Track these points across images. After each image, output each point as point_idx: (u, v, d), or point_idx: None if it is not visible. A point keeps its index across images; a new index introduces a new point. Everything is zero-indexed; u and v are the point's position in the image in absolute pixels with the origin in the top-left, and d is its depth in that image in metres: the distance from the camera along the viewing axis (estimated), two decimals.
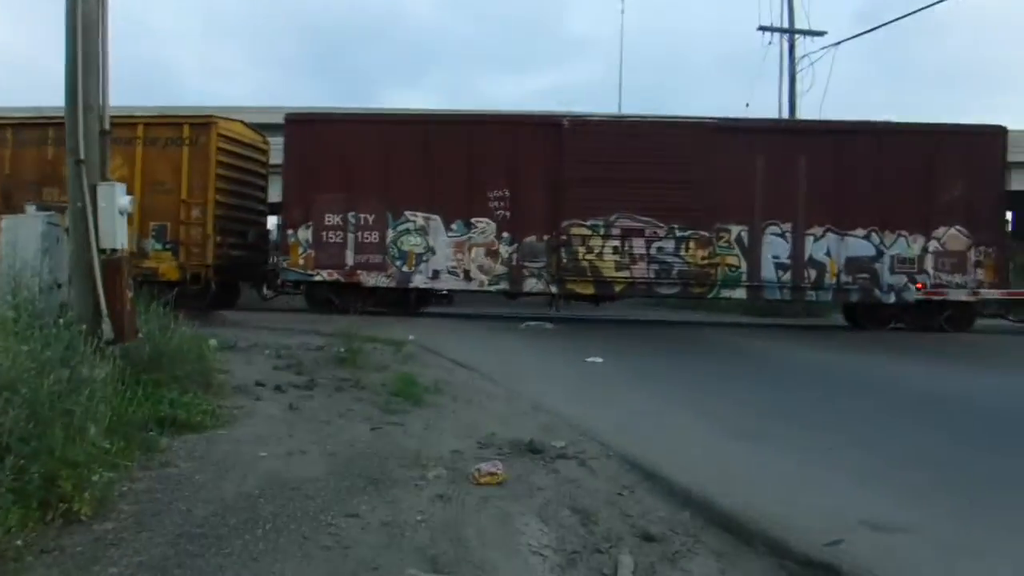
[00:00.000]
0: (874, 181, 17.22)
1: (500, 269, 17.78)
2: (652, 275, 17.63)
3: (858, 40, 36.36)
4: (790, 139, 18.20)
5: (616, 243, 17.57)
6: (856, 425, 7.33)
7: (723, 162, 17.24)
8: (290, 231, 18.24)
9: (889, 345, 15.34)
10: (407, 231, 17.92)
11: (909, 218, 17.37)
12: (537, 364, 11.33)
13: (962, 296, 17.32)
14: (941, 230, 17.38)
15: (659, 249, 17.57)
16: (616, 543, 3.98)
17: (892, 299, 17.44)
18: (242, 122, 19.00)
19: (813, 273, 17.54)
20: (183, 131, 17.29)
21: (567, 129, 17.79)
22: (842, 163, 17.45)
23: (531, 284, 17.88)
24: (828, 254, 17.48)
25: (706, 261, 17.54)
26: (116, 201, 6.58)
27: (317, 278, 18.04)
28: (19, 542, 3.43)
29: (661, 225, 17.53)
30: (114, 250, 6.62)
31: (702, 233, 17.51)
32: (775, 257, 17.53)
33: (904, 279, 17.34)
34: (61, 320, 5.57)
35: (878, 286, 17.41)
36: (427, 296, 19.43)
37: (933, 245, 17.35)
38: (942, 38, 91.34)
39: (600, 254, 17.60)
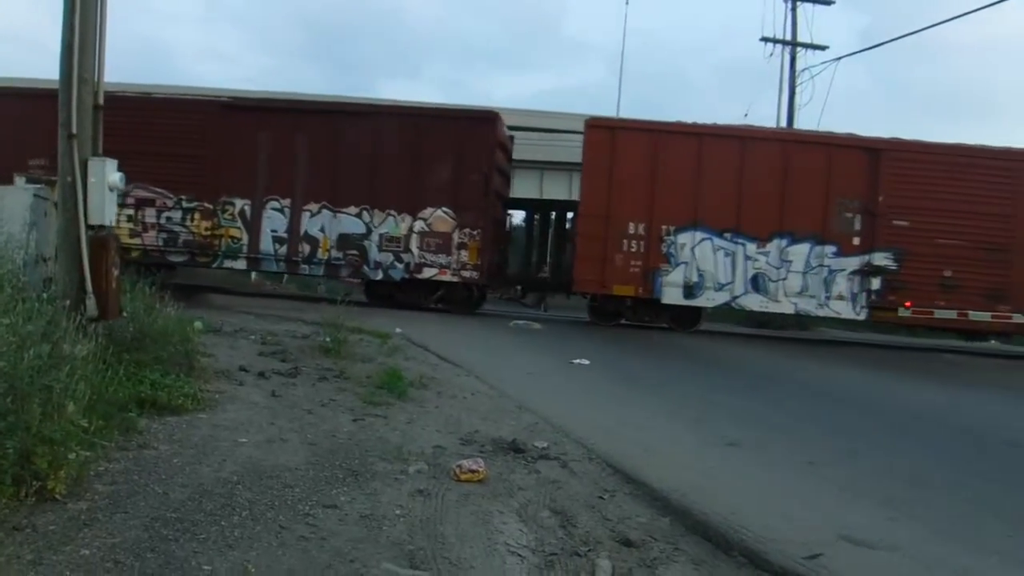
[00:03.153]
0: (369, 161, 17.88)
1: None
2: (161, 243, 18.31)
3: (859, 57, 36.53)
4: (291, 118, 18.62)
5: (131, 212, 17.99)
6: (840, 439, 7.34)
7: (230, 138, 17.87)
8: None
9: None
10: None
11: (399, 198, 17.98)
12: (523, 363, 11.31)
13: (446, 276, 17.98)
14: (428, 211, 17.96)
15: (168, 219, 18.29)
16: (595, 547, 3.96)
17: (379, 276, 18.10)
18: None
19: (307, 248, 18.30)
20: None
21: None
22: (340, 143, 18.11)
23: None
24: (322, 230, 18.23)
25: (210, 232, 18.28)
26: (107, 177, 6.51)
27: None
28: None
29: (171, 196, 18.22)
30: (102, 226, 6.55)
31: (206, 205, 18.24)
32: (274, 231, 18.30)
33: (391, 257, 18.03)
34: (45, 295, 5.50)
35: (367, 263, 18.07)
36: None
37: (419, 225, 17.96)
38: (940, 59, 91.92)
39: (115, 222, 17.95)
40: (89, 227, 6.43)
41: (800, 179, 17.30)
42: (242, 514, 3.87)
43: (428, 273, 18.02)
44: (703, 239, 17.50)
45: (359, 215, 18.04)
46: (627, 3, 47.18)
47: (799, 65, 28.17)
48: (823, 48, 27.96)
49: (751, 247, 17.46)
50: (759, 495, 5.14)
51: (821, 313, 17.88)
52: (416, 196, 17.91)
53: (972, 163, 17.32)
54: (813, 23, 36.51)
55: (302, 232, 18.21)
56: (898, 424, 8.50)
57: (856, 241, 17.35)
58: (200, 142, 17.90)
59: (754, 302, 17.66)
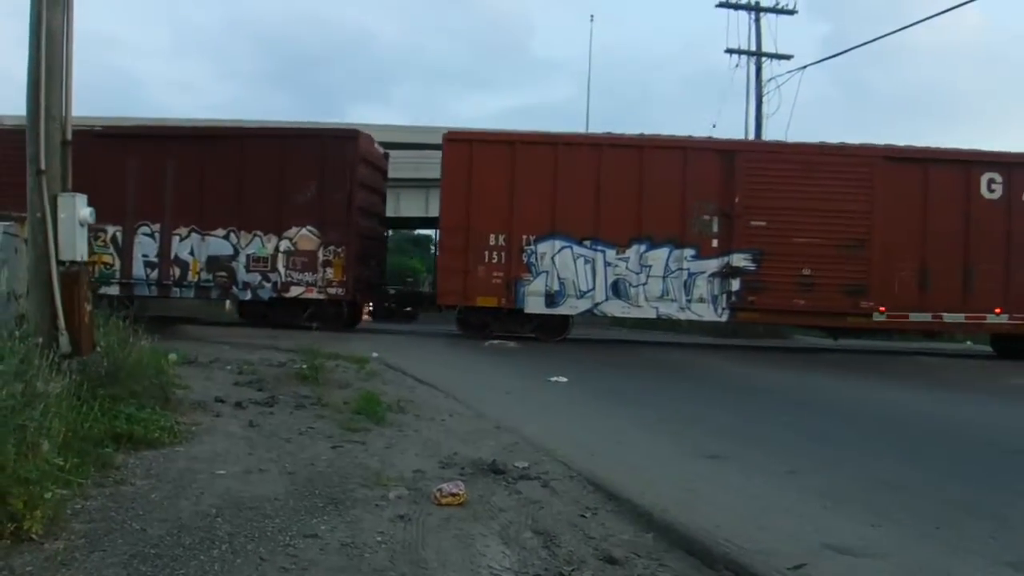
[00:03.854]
0: (236, 183, 18.12)
1: None
2: None
3: (824, 64, 37.16)
4: (159, 144, 18.90)
5: None
6: (820, 447, 7.41)
7: (102, 166, 17.21)
8: None
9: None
10: None
11: (264, 219, 18.28)
12: (500, 383, 11.31)
13: (313, 294, 18.26)
14: (293, 230, 18.30)
15: None
16: (578, 566, 3.96)
17: (248, 296, 18.36)
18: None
19: (178, 271, 18.63)
20: None
21: None
22: (207, 166, 18.38)
23: None
24: (192, 253, 18.58)
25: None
26: (77, 212, 6.48)
27: None
28: None
29: None
30: (73, 262, 6.51)
31: None
32: (145, 256, 18.55)
33: (259, 277, 18.33)
34: (17, 332, 5.45)
35: (235, 283, 18.34)
36: None
37: (285, 245, 18.27)
38: (903, 64, 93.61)
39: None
40: (60, 263, 6.39)
41: (656, 184, 17.67)
42: (222, 547, 3.84)
43: (295, 291, 18.24)
44: (563, 247, 17.76)
45: (227, 237, 18.29)
46: (592, 19, 47.92)
47: (765, 75, 28.61)
48: (788, 57, 28.44)
49: (611, 253, 17.76)
50: (742, 507, 5.15)
51: (683, 316, 18.19)
52: (281, 216, 18.19)
53: (827, 161, 17.86)
54: (777, 33, 36.96)
55: (172, 256, 18.46)
56: (876, 429, 8.59)
57: (715, 243, 17.73)
58: (75, 172, 17.68)
59: (616, 308, 17.94)
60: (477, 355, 15.13)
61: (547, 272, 17.74)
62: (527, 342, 17.70)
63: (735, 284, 17.64)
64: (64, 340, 6.23)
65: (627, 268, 17.69)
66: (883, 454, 7.23)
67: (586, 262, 17.73)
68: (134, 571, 3.50)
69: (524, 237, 17.73)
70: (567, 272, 17.71)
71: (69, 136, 6.61)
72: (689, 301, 17.69)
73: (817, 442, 7.73)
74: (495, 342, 17.06)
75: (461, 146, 18.12)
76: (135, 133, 19.44)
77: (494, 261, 17.73)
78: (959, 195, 17.49)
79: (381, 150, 20.43)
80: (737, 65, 28.92)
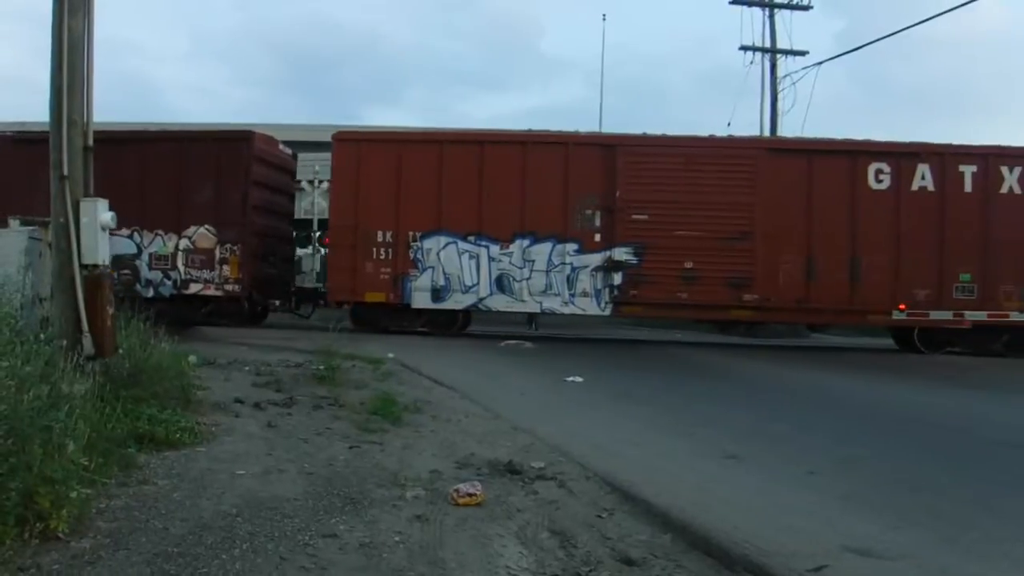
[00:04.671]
0: (139, 185, 17.96)
1: None
2: None
3: (840, 60, 36.88)
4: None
5: None
6: (840, 447, 7.39)
7: (15, 171, 17.00)
8: None
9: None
10: None
11: (165, 219, 18.34)
12: (516, 383, 11.34)
13: (211, 291, 18.37)
14: (192, 229, 18.33)
15: None
16: (596, 567, 3.98)
17: (151, 293, 18.23)
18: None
19: None
20: None
21: None
22: (112, 168, 17.95)
23: None
24: None
25: None
26: (99, 217, 6.59)
27: None
28: None
29: None
30: (96, 265, 6.60)
31: None
32: None
33: (160, 275, 18.47)
34: (42, 335, 5.55)
35: (139, 281, 18.36)
36: None
37: (184, 243, 18.37)
38: (921, 59, 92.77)
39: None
40: (83, 267, 6.49)
41: (539, 179, 17.71)
42: (243, 546, 3.90)
43: (194, 288, 18.38)
44: (448, 243, 17.89)
45: (131, 236, 18.37)
46: (604, 18, 47.93)
47: (780, 71, 28.41)
48: (803, 54, 28.15)
49: (494, 249, 17.83)
50: (760, 508, 5.14)
51: (567, 311, 18.15)
52: (181, 215, 18.36)
53: (709, 154, 17.91)
54: (792, 29, 36.72)
55: None
56: (894, 428, 8.55)
57: (597, 238, 17.72)
58: None
59: (500, 303, 18.01)
60: (493, 356, 15.16)
61: (433, 268, 17.96)
62: (542, 342, 17.73)
63: (617, 278, 17.71)
64: (87, 342, 6.32)
65: (511, 263, 17.85)
66: (903, 454, 7.20)
67: (471, 257, 17.94)
68: (158, 569, 3.56)
69: (411, 234, 17.95)
70: (452, 267, 17.92)
71: (91, 142, 6.72)
72: (572, 295, 17.80)
73: (836, 442, 7.69)
74: (511, 342, 17.09)
75: (349, 146, 18.45)
76: (46, 138, 19.53)
77: (382, 257, 17.98)
78: (845, 186, 17.45)
79: (287, 151, 20.61)
80: (752, 62, 28.71)
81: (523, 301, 17.93)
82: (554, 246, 17.71)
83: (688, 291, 17.56)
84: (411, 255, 17.93)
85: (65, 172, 6.45)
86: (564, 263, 17.70)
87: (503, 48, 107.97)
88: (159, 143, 18.89)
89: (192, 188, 18.32)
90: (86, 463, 4.29)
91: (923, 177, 17.48)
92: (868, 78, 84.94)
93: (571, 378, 11.41)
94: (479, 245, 17.86)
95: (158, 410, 6.19)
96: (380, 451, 6.24)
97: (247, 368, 10.55)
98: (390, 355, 12.66)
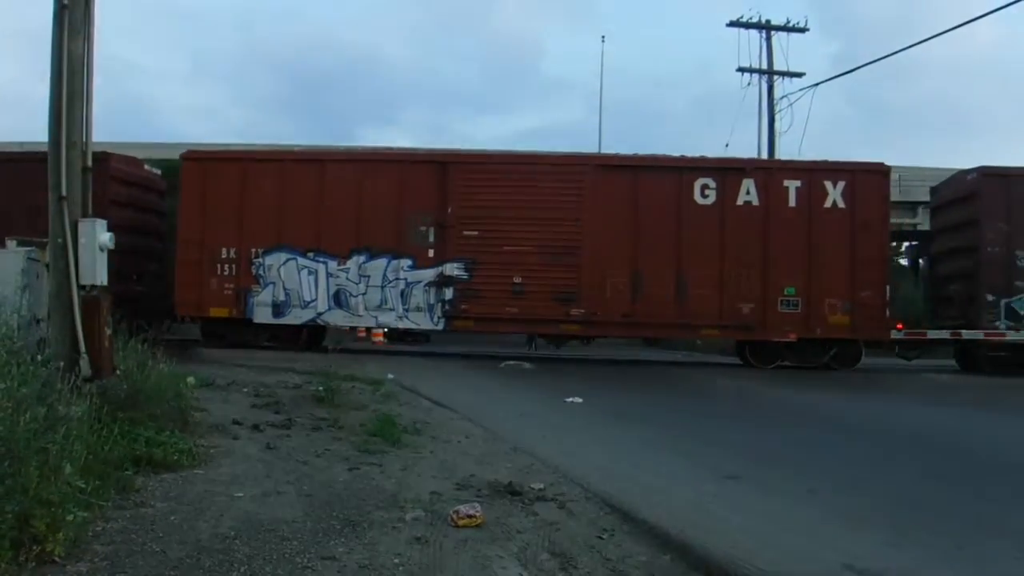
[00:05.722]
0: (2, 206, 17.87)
1: None
2: None
3: (837, 82, 37.08)
4: None
5: None
6: (838, 466, 7.37)
7: None
8: None
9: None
10: None
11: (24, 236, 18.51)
12: (516, 404, 11.31)
13: None
14: None
15: None
16: None
17: None
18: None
19: None
20: None
21: None
22: None
23: None
24: None
25: None
26: (97, 237, 6.58)
27: None
28: None
29: None
30: (94, 286, 6.60)
31: None
32: None
33: None
34: (39, 356, 5.53)
35: None
36: None
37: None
38: (917, 80, 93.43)
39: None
40: (81, 287, 6.48)
41: (376, 197, 18.19)
42: (241, 569, 3.86)
43: None
44: (288, 259, 18.25)
45: None
46: (603, 40, 48.25)
47: (777, 93, 28.57)
48: (800, 75, 28.35)
49: (332, 264, 18.24)
50: (760, 527, 5.13)
51: (401, 325, 18.59)
52: (37, 235, 17.93)
53: (538, 171, 18.51)
54: (788, 51, 36.90)
55: None
56: (892, 447, 8.54)
57: (431, 253, 18.13)
58: None
59: (338, 317, 18.38)
60: (492, 377, 15.14)
61: (274, 283, 18.25)
62: (542, 363, 17.70)
63: (449, 293, 18.08)
64: (85, 363, 6.30)
65: (347, 278, 18.22)
66: (903, 472, 7.19)
67: (310, 273, 18.28)
68: None
69: (253, 250, 18.26)
70: (292, 283, 18.23)
71: (90, 163, 6.73)
72: (407, 310, 18.13)
73: (836, 460, 7.69)
74: (510, 363, 17.07)
75: (196, 164, 18.80)
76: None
77: (226, 273, 18.26)
78: (672, 202, 17.77)
79: (154, 171, 20.64)
80: (749, 83, 28.88)
81: (359, 316, 18.35)
82: (389, 262, 18.15)
83: (517, 305, 17.88)
84: (253, 271, 18.27)
85: (63, 193, 6.46)
86: (399, 278, 18.14)
87: (503, 69, 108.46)
88: (17, 164, 18.11)
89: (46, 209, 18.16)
90: (83, 485, 4.26)
91: (748, 192, 17.84)
92: (864, 99, 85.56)
93: (571, 399, 11.38)
94: (318, 261, 18.25)
95: (156, 432, 6.15)
96: (380, 472, 6.21)
97: (245, 389, 10.51)
98: (389, 376, 12.64)
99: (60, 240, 6.49)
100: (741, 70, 28.71)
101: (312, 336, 18.96)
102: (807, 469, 7.20)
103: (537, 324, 18.51)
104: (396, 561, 4.12)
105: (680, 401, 12.67)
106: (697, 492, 6.15)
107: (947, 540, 4.92)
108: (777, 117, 28.32)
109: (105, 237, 6.69)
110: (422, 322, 18.24)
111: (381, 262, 18.09)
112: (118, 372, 6.74)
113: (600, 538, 4.81)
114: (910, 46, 23.46)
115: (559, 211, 17.79)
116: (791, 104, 27.78)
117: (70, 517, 3.90)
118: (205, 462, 6.11)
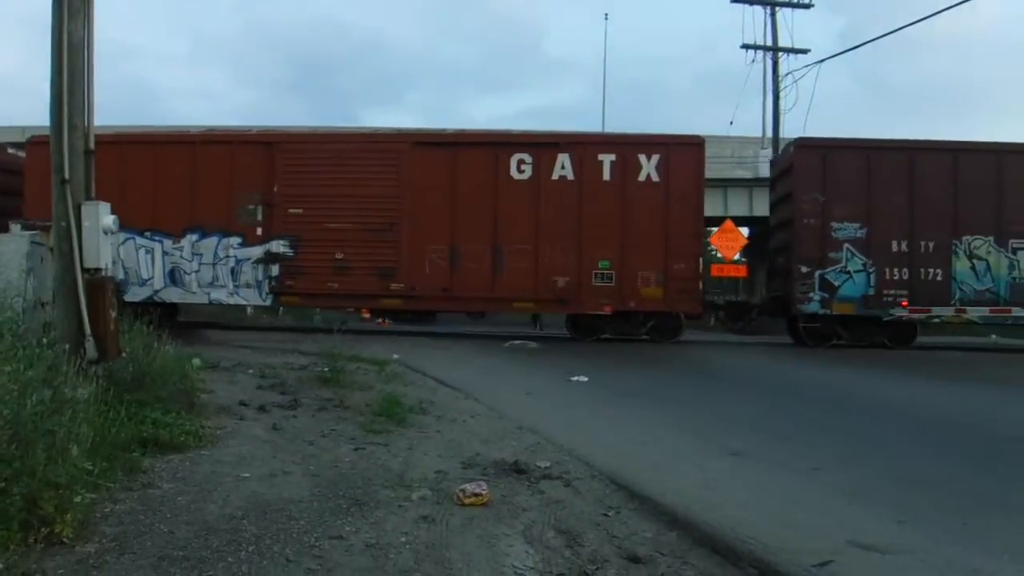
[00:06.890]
0: None
1: None
2: None
3: (842, 58, 36.88)
4: None
5: None
6: (844, 442, 7.37)
7: None
8: None
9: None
10: None
11: None
12: (521, 383, 11.32)
13: None
14: None
15: None
16: (602, 565, 3.97)
17: None
18: None
19: None
20: None
21: None
22: None
23: None
24: None
25: None
26: (100, 220, 6.57)
27: None
28: (0, 565, 3.39)
29: None
30: (98, 269, 6.59)
31: None
32: None
33: None
34: (44, 340, 5.53)
35: None
36: None
37: None
38: (922, 56, 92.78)
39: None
40: (85, 270, 6.47)
41: (208, 176, 18.39)
42: (248, 549, 3.88)
43: None
44: (127, 239, 18.22)
45: None
46: (606, 18, 47.71)
47: (782, 70, 28.39)
48: (804, 52, 28.20)
49: (168, 243, 18.49)
50: (766, 504, 5.14)
51: (232, 301, 18.90)
52: None
53: (358, 149, 18.87)
54: (793, 28, 36.72)
55: None
56: (897, 424, 8.53)
57: (259, 231, 18.43)
58: None
59: (174, 295, 18.64)
60: (498, 356, 15.16)
61: (115, 262, 18.13)
62: (547, 342, 17.71)
63: (275, 269, 18.36)
64: (90, 346, 6.31)
65: (182, 256, 18.45)
66: (908, 449, 7.19)
67: (147, 252, 18.51)
68: (163, 573, 3.55)
69: None
70: (131, 262, 18.40)
71: (92, 146, 6.71)
72: (237, 287, 18.42)
73: (841, 438, 7.68)
74: (516, 343, 17.09)
75: (40, 148, 18.63)
76: None
77: None
78: (488, 177, 17.95)
79: (19, 154, 20.38)
80: (753, 61, 28.78)
81: (193, 293, 18.59)
82: (220, 240, 18.43)
83: (339, 281, 18.18)
84: None
85: (66, 176, 6.44)
86: (229, 256, 18.41)
87: (505, 49, 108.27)
88: None
89: None
90: (90, 467, 4.27)
91: (563, 167, 17.98)
92: (870, 75, 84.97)
93: (576, 377, 11.39)
94: (154, 240, 18.46)
95: (162, 413, 6.17)
96: (386, 452, 6.23)
97: (251, 371, 10.54)
98: (395, 356, 12.66)
99: (64, 223, 6.48)
100: (745, 47, 28.57)
101: (166, 313, 18.91)
102: (813, 446, 7.21)
103: (360, 299, 19.24)
104: (403, 540, 4.14)
105: (685, 379, 12.65)
106: (702, 469, 6.16)
107: (952, 517, 4.91)
108: (782, 94, 28.18)
109: (109, 220, 6.68)
110: (251, 298, 18.68)
111: (212, 240, 18.42)
112: (124, 354, 6.75)
113: (606, 515, 4.82)
114: (913, 22, 23.36)
115: (379, 188, 18.13)
116: (796, 81, 27.67)
117: (78, 499, 3.92)
118: (212, 443, 6.13)
